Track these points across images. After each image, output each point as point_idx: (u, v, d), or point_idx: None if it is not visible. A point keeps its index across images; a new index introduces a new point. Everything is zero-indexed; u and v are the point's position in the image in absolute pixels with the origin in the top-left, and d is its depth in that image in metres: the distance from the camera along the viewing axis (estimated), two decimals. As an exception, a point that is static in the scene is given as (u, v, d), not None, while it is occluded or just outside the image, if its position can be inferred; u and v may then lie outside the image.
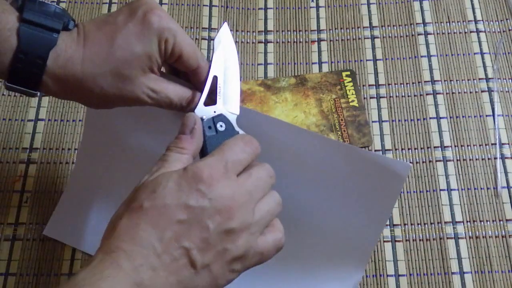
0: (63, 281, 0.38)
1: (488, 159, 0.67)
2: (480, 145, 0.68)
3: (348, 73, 0.72)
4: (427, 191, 0.66)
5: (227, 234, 0.41)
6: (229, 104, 0.49)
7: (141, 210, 0.40)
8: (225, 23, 0.52)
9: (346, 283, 0.59)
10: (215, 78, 0.49)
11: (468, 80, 0.72)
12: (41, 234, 0.63)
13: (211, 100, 0.48)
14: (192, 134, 0.45)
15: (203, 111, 0.48)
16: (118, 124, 0.58)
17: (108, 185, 0.62)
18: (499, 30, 0.75)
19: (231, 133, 0.48)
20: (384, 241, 0.63)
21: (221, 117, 0.48)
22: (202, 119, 0.47)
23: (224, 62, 0.50)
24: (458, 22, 0.76)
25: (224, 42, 0.50)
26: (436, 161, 0.67)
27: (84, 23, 0.47)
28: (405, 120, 0.70)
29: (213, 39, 0.75)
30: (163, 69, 0.51)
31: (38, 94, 0.47)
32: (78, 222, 0.63)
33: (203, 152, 0.46)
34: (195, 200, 0.40)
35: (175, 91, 0.49)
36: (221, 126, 0.48)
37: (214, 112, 0.48)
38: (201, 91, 0.49)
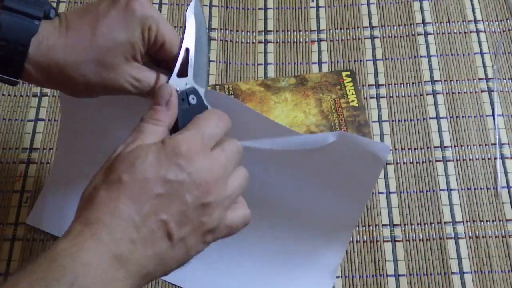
0: (43, 252, 0.38)
1: (488, 159, 0.67)
2: (480, 145, 0.68)
3: (348, 73, 0.72)
4: (427, 191, 0.66)
5: (204, 208, 0.42)
6: (197, 77, 0.49)
7: (120, 183, 0.40)
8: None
9: (325, 269, 0.60)
10: (187, 50, 0.49)
11: (468, 80, 0.72)
12: (41, 234, 0.63)
13: (181, 72, 0.48)
14: (168, 106, 0.45)
15: (176, 82, 0.47)
16: (94, 112, 0.58)
17: (88, 173, 0.62)
18: (499, 30, 0.75)
19: (202, 107, 0.48)
20: (384, 241, 0.63)
21: (193, 90, 0.48)
22: (176, 91, 0.47)
23: (195, 35, 0.49)
24: (458, 22, 0.76)
25: (196, 15, 0.50)
26: (436, 161, 0.67)
27: (66, 12, 0.47)
28: (405, 120, 0.70)
29: (215, 39, 0.75)
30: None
31: (20, 82, 0.46)
32: (59, 210, 0.63)
33: (175, 124, 0.46)
34: (174, 174, 0.41)
35: (158, 79, 0.48)
36: (193, 99, 0.48)
37: (186, 84, 0.48)
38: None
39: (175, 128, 0.46)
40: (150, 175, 0.41)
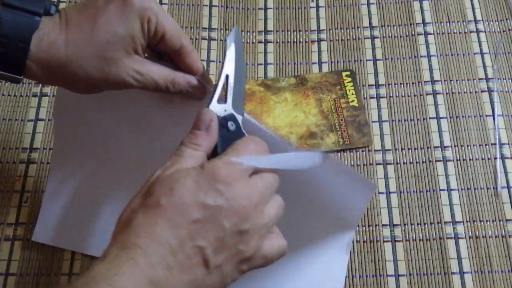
0: (77, 275, 0.38)
1: (488, 159, 0.67)
2: (480, 145, 0.68)
3: (348, 73, 0.72)
4: (427, 191, 0.66)
5: (241, 235, 0.41)
6: (236, 104, 0.49)
7: (158, 207, 0.40)
8: (235, 27, 0.52)
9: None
10: (227, 77, 0.49)
11: (468, 80, 0.72)
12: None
13: (221, 98, 0.48)
14: (208, 131, 0.45)
15: (215, 108, 0.47)
16: (91, 117, 0.57)
17: (86, 181, 0.62)
18: (499, 30, 0.75)
19: (240, 134, 0.48)
20: (384, 241, 0.63)
21: (232, 117, 0.48)
22: (217, 116, 0.47)
23: (234, 63, 0.50)
24: (458, 22, 0.76)
25: (235, 42, 0.50)
26: (436, 161, 0.67)
27: (65, 8, 0.47)
28: (405, 120, 0.70)
29: (215, 39, 0.75)
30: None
31: (23, 79, 0.46)
32: (63, 223, 0.62)
33: (214, 150, 0.46)
34: (212, 199, 0.40)
35: (160, 72, 0.48)
36: (232, 125, 0.47)
37: (225, 110, 0.48)
38: (187, 73, 0.49)
39: (214, 154, 0.46)
40: (189, 200, 0.40)
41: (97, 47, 0.45)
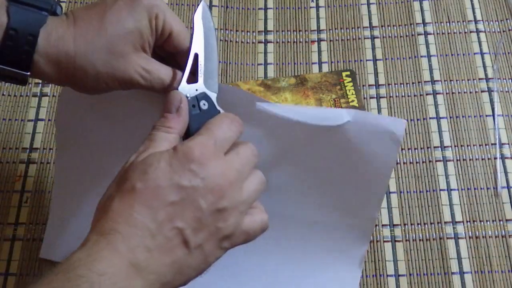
0: (60, 263, 0.38)
1: (488, 159, 0.67)
2: (480, 145, 0.68)
3: (348, 73, 0.72)
4: (427, 191, 0.66)
5: (219, 213, 0.41)
6: (208, 82, 0.49)
7: (133, 192, 0.40)
8: (203, 1, 0.51)
9: (351, 256, 0.60)
10: (196, 56, 0.49)
11: (468, 80, 0.72)
12: (41, 234, 0.63)
13: (192, 78, 0.48)
14: (178, 113, 0.45)
15: (185, 89, 0.47)
16: (95, 127, 0.57)
17: (94, 191, 0.61)
18: (499, 30, 0.75)
19: (214, 112, 0.47)
20: (384, 241, 0.63)
21: (204, 96, 0.48)
22: (186, 97, 0.47)
23: (203, 40, 0.50)
24: (458, 22, 0.76)
25: (203, 19, 0.50)
26: (436, 161, 0.67)
27: (71, 10, 0.48)
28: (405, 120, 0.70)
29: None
30: None
31: (29, 77, 0.46)
32: (71, 237, 0.59)
33: (187, 131, 0.46)
34: (187, 180, 0.41)
35: (167, 72, 0.48)
36: (204, 104, 0.47)
37: (196, 90, 0.48)
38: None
39: (187, 135, 0.46)
40: (163, 182, 0.40)
41: (105, 40, 0.46)
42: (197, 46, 0.49)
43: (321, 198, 0.57)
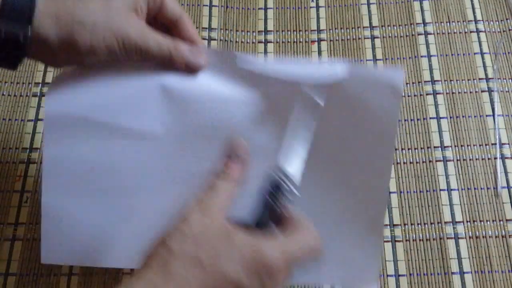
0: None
1: (488, 159, 0.67)
2: (480, 145, 0.68)
3: (348, 73, 0.72)
4: (427, 191, 0.66)
5: None
6: (289, 165, 0.49)
7: (200, 267, 0.42)
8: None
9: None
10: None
11: (468, 80, 0.72)
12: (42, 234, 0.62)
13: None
14: (238, 160, 0.48)
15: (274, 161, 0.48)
16: (78, 129, 0.54)
17: (85, 192, 0.57)
18: (499, 30, 0.75)
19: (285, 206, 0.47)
20: (384, 241, 0.63)
21: (290, 191, 0.48)
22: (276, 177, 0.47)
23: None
24: (458, 22, 0.76)
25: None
26: (436, 161, 0.67)
27: None
28: (405, 120, 0.70)
29: (215, 39, 0.75)
30: None
31: (29, 33, 0.46)
32: (69, 238, 0.57)
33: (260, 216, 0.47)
34: (251, 284, 0.43)
35: (163, 37, 0.49)
36: (284, 198, 0.47)
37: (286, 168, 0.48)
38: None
39: (259, 219, 0.47)
40: (231, 274, 0.42)
41: None
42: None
43: (330, 165, 0.54)
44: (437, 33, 0.75)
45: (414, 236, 0.63)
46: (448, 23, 0.76)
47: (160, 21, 0.50)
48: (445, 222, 0.64)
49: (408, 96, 0.71)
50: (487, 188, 0.66)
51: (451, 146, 0.68)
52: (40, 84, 0.71)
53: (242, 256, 0.43)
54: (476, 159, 0.67)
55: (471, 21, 0.76)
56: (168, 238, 0.44)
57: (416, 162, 0.67)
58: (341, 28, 0.76)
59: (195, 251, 0.42)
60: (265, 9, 0.78)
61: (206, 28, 0.76)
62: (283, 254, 0.44)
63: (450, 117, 0.70)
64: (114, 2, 0.47)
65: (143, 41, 0.47)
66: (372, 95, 0.50)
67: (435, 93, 0.71)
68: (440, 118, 0.70)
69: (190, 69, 0.50)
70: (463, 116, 0.70)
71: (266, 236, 0.45)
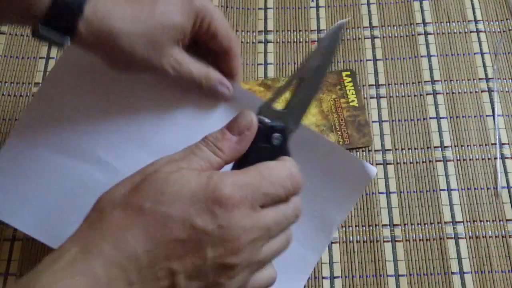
0: (22, 278, 0.35)
1: (488, 159, 0.67)
2: (480, 145, 0.68)
3: (348, 73, 0.72)
4: (427, 191, 0.66)
5: (225, 269, 0.37)
6: (292, 116, 0.43)
7: (140, 211, 0.36)
8: (343, 21, 0.48)
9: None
10: (300, 80, 0.44)
11: (468, 80, 0.72)
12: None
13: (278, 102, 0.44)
14: (239, 138, 0.41)
15: (266, 111, 0.42)
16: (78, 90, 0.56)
17: (43, 159, 0.56)
18: (499, 30, 0.75)
19: (281, 152, 0.41)
20: (384, 241, 0.63)
21: (281, 129, 0.41)
22: (262, 121, 0.41)
23: (315, 69, 0.45)
24: (458, 22, 0.76)
25: (329, 42, 0.45)
26: (436, 161, 0.67)
27: None
28: (405, 120, 0.70)
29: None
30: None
31: (68, 42, 0.46)
32: (16, 195, 0.56)
33: (243, 159, 0.40)
34: (203, 221, 0.36)
35: (197, 65, 0.50)
36: (276, 139, 0.41)
37: (279, 118, 0.41)
38: (224, 75, 0.51)
39: (239, 164, 0.40)
40: (176, 214, 0.35)
41: (151, 27, 0.47)
42: (307, 72, 0.44)
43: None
44: (437, 33, 0.75)
45: (414, 236, 0.63)
46: (448, 23, 0.76)
47: (211, 48, 0.51)
48: (445, 222, 0.64)
49: (408, 96, 0.71)
50: (487, 188, 0.66)
51: (451, 146, 0.68)
52: (40, 84, 0.71)
53: (191, 191, 0.36)
54: (476, 159, 0.67)
55: (471, 21, 0.76)
56: (109, 190, 0.38)
57: (416, 162, 0.67)
58: (341, 28, 0.76)
59: (136, 199, 0.36)
60: (265, 9, 0.78)
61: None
62: (237, 183, 0.37)
63: (450, 117, 0.70)
64: (162, 32, 0.47)
65: (177, 71, 0.49)
66: (347, 165, 0.53)
67: (435, 93, 0.71)
68: (440, 118, 0.70)
69: (214, 96, 0.53)
70: (463, 116, 0.70)
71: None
